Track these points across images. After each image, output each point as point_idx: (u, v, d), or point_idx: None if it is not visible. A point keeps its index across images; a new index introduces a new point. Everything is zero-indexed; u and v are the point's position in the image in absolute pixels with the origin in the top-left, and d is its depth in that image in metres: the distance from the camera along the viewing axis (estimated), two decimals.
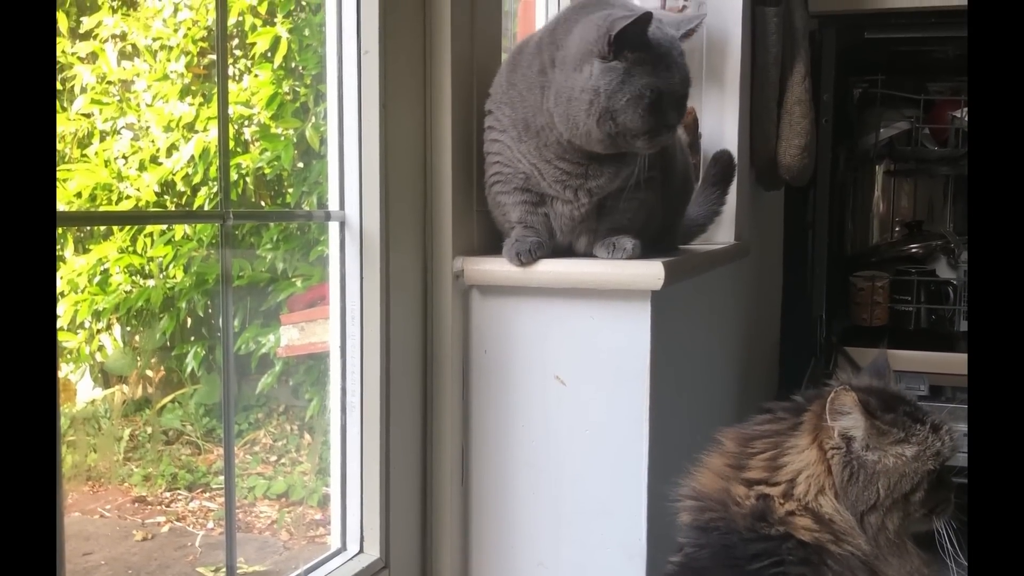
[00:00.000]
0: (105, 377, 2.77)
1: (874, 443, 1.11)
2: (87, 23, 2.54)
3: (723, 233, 2.01)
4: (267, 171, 2.62)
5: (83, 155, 2.52)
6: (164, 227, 2.53)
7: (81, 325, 2.60)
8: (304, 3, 2.65)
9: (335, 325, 1.41)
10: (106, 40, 2.55)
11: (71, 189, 2.45)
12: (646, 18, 1.22)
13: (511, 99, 1.35)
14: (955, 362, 2.53)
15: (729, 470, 1.17)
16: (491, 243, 1.49)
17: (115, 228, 2.56)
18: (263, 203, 2.70)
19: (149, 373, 2.87)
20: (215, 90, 1.30)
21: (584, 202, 1.35)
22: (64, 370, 2.57)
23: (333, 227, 1.39)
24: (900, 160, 3.24)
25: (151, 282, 2.63)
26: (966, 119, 2.79)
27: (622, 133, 1.25)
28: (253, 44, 2.56)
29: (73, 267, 2.53)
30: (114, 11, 2.58)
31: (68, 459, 2.58)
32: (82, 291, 2.55)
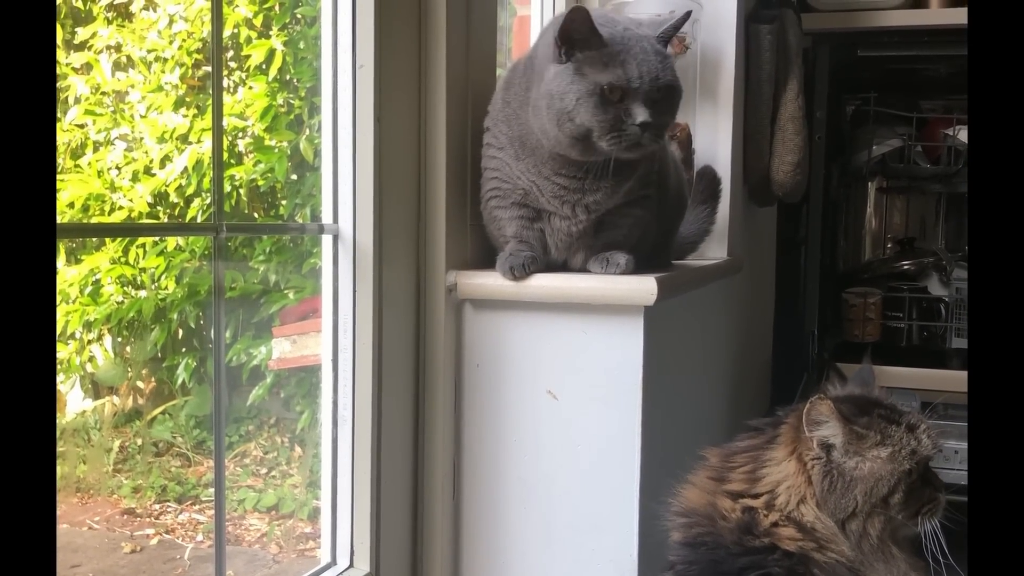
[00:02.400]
0: (95, 388, 2.76)
1: (853, 449, 1.12)
2: (82, 34, 2.54)
3: (716, 249, 2.01)
4: (261, 183, 2.62)
5: (76, 165, 2.52)
6: (156, 238, 2.53)
7: (72, 336, 2.59)
8: (299, 16, 2.66)
9: (327, 338, 1.40)
10: (101, 51, 2.55)
11: (64, 199, 2.44)
12: (576, 13, 1.21)
13: (507, 117, 1.36)
14: (947, 379, 2.53)
15: (713, 483, 1.18)
16: (484, 257, 1.49)
17: (107, 239, 2.56)
18: (256, 215, 2.70)
19: (140, 384, 2.86)
20: (209, 102, 1.30)
21: (582, 218, 1.35)
22: None
23: (326, 240, 1.39)
24: (893, 177, 3.26)
25: (143, 293, 2.62)
26: (958, 137, 2.81)
27: (584, 135, 1.23)
28: (248, 56, 2.56)
29: (64, 277, 2.52)
30: (109, 22, 2.58)
31: (57, 470, 2.57)
32: (73, 301, 2.54)
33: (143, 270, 2.61)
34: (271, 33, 2.58)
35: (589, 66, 1.23)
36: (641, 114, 1.22)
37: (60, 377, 2.61)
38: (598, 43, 1.23)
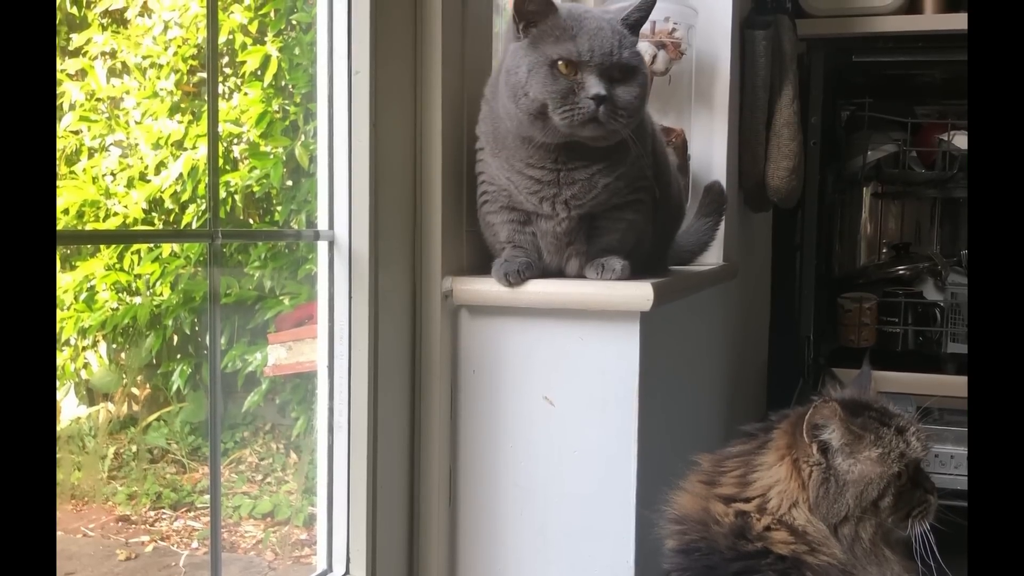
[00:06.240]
0: (90, 395, 2.75)
1: (849, 450, 1.12)
2: (76, 40, 2.54)
3: (711, 254, 2.01)
4: (256, 189, 2.62)
5: (71, 172, 2.51)
6: (152, 245, 2.52)
7: (66, 342, 2.58)
8: (295, 22, 2.66)
9: (323, 344, 1.40)
10: (95, 57, 2.55)
11: (59, 206, 2.44)
12: None
13: (485, 115, 1.37)
14: (942, 384, 2.54)
15: (705, 488, 1.18)
16: (480, 263, 1.48)
17: (102, 245, 2.55)
18: (251, 221, 2.70)
19: (135, 391, 2.85)
20: (204, 108, 1.30)
21: (563, 216, 1.34)
22: None
23: (322, 246, 1.39)
24: (888, 182, 3.26)
25: (138, 299, 2.61)
26: (953, 142, 2.82)
27: (540, 110, 1.23)
28: (243, 62, 2.56)
29: (59, 284, 2.51)
30: (104, 29, 2.58)
31: None
32: (68, 308, 2.53)
33: (138, 276, 2.60)
34: (266, 39, 2.58)
35: (543, 40, 1.24)
36: (594, 86, 1.21)
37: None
38: (553, 18, 1.24)
